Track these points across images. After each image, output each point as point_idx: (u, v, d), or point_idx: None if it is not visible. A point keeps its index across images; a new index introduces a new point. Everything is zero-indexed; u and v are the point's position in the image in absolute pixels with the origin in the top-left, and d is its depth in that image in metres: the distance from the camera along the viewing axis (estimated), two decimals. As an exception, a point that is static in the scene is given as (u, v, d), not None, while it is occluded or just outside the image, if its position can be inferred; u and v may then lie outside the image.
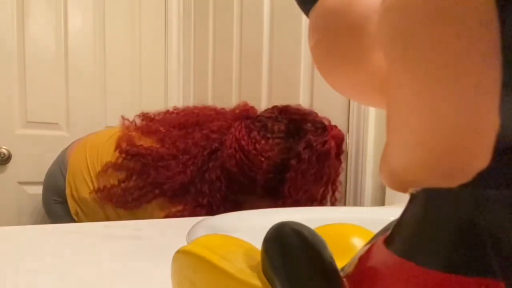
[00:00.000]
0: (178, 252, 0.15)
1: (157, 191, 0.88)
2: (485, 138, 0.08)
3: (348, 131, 0.99)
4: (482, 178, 0.08)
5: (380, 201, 0.93)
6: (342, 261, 0.12)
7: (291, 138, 0.83)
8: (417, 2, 0.08)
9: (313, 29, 0.13)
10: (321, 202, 0.89)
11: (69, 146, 1.09)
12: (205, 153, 0.88)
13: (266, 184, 0.83)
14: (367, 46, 0.11)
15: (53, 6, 1.40)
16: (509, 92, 0.07)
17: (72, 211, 0.99)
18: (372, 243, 0.11)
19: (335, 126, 0.88)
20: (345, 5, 0.12)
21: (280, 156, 0.81)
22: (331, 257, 0.11)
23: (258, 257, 0.13)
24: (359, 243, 0.15)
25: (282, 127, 0.84)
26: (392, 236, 0.10)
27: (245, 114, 0.92)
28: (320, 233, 0.12)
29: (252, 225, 0.40)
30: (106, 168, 0.93)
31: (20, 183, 1.38)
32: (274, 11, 1.22)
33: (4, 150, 1.34)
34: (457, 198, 0.08)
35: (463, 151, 0.08)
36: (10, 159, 1.35)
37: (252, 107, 0.97)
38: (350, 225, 0.17)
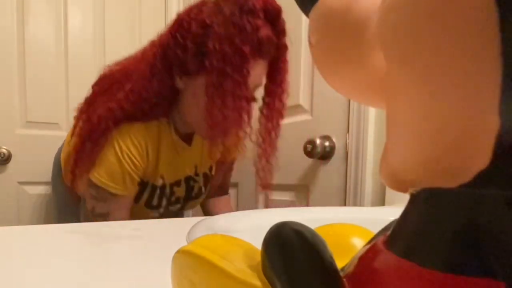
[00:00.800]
0: (178, 252, 0.15)
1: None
2: (485, 138, 0.08)
3: (348, 131, 0.99)
4: (482, 178, 0.08)
5: (380, 201, 0.93)
6: (342, 261, 0.12)
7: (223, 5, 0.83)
8: (416, 2, 0.08)
9: (313, 29, 0.13)
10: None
11: None
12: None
13: (196, 51, 0.81)
14: (367, 46, 0.11)
15: (53, 6, 1.40)
16: (509, 92, 0.07)
17: (64, 174, 1.01)
18: (372, 243, 0.11)
19: None
20: (345, 5, 0.12)
21: (209, 18, 0.81)
22: (331, 257, 0.11)
23: (258, 257, 0.13)
24: (359, 243, 0.15)
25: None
26: (392, 236, 0.10)
27: None
28: (320, 233, 0.12)
29: (252, 225, 0.40)
30: (70, 139, 0.97)
31: (20, 183, 1.38)
32: (274, 11, 1.22)
33: (4, 150, 1.34)
34: (457, 198, 0.08)
35: (463, 151, 0.08)
36: (10, 159, 1.36)
37: None
38: (350, 225, 0.17)
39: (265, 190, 0.98)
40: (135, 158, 0.87)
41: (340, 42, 0.12)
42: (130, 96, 0.85)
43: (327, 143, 1.03)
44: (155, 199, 0.96)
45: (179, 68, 0.84)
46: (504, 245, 0.08)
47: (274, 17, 0.83)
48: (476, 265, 0.08)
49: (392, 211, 0.49)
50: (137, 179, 0.89)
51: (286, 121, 1.19)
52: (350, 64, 0.12)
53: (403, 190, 0.10)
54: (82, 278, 0.34)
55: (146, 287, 0.32)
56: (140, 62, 0.89)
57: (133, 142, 0.86)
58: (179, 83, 0.86)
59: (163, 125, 0.91)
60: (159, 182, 0.95)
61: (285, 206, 1.15)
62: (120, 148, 0.86)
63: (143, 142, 0.88)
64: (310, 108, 1.10)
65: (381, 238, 0.10)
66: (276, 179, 1.23)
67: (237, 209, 1.41)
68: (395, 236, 0.10)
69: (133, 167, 0.87)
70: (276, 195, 1.25)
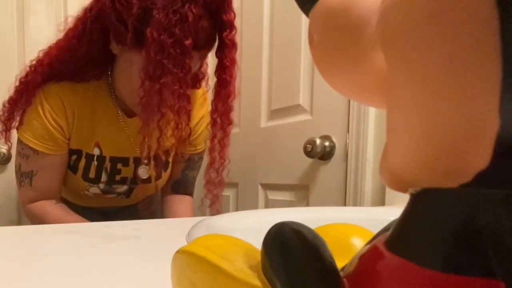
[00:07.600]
0: (178, 252, 0.15)
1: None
2: (485, 138, 0.08)
3: (348, 131, 0.99)
4: (482, 178, 0.08)
5: (380, 201, 0.93)
6: (342, 261, 0.12)
7: None
8: (417, 2, 0.08)
9: (313, 29, 0.13)
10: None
11: None
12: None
13: (134, 30, 0.75)
14: (367, 46, 0.11)
15: (53, 6, 1.40)
16: (509, 92, 0.07)
17: None
18: (372, 243, 0.11)
19: None
20: (345, 5, 0.12)
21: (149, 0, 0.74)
22: (331, 257, 0.11)
23: (258, 257, 0.13)
24: (359, 243, 0.15)
25: None
26: (392, 236, 0.10)
27: None
28: (320, 233, 0.12)
29: (252, 225, 0.40)
30: None
31: (20, 183, 1.37)
32: (274, 11, 1.22)
33: (4, 150, 1.34)
34: (457, 198, 0.08)
35: (463, 151, 0.08)
36: (10, 159, 1.35)
37: None
38: (350, 225, 0.17)
39: (213, 206, 0.92)
40: (58, 116, 0.86)
41: (340, 42, 0.12)
42: (60, 53, 0.83)
43: (327, 143, 1.03)
44: (92, 171, 0.93)
45: (115, 34, 0.79)
46: (503, 245, 0.08)
47: (214, 7, 0.75)
48: (476, 265, 0.08)
49: (392, 211, 0.49)
50: (63, 138, 0.88)
51: (286, 121, 1.19)
52: (350, 64, 0.12)
53: (403, 190, 0.10)
54: (82, 278, 0.34)
55: (146, 287, 0.32)
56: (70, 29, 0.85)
57: (56, 100, 0.86)
58: (115, 48, 0.82)
59: (100, 88, 0.88)
60: (95, 151, 0.91)
61: (285, 206, 1.15)
62: (42, 105, 0.86)
63: (67, 101, 0.86)
64: (310, 108, 1.10)
65: (381, 238, 0.10)
66: (276, 179, 1.23)
67: (237, 209, 1.41)
68: (395, 236, 0.10)
69: (55, 125, 0.86)
70: (276, 195, 1.25)
